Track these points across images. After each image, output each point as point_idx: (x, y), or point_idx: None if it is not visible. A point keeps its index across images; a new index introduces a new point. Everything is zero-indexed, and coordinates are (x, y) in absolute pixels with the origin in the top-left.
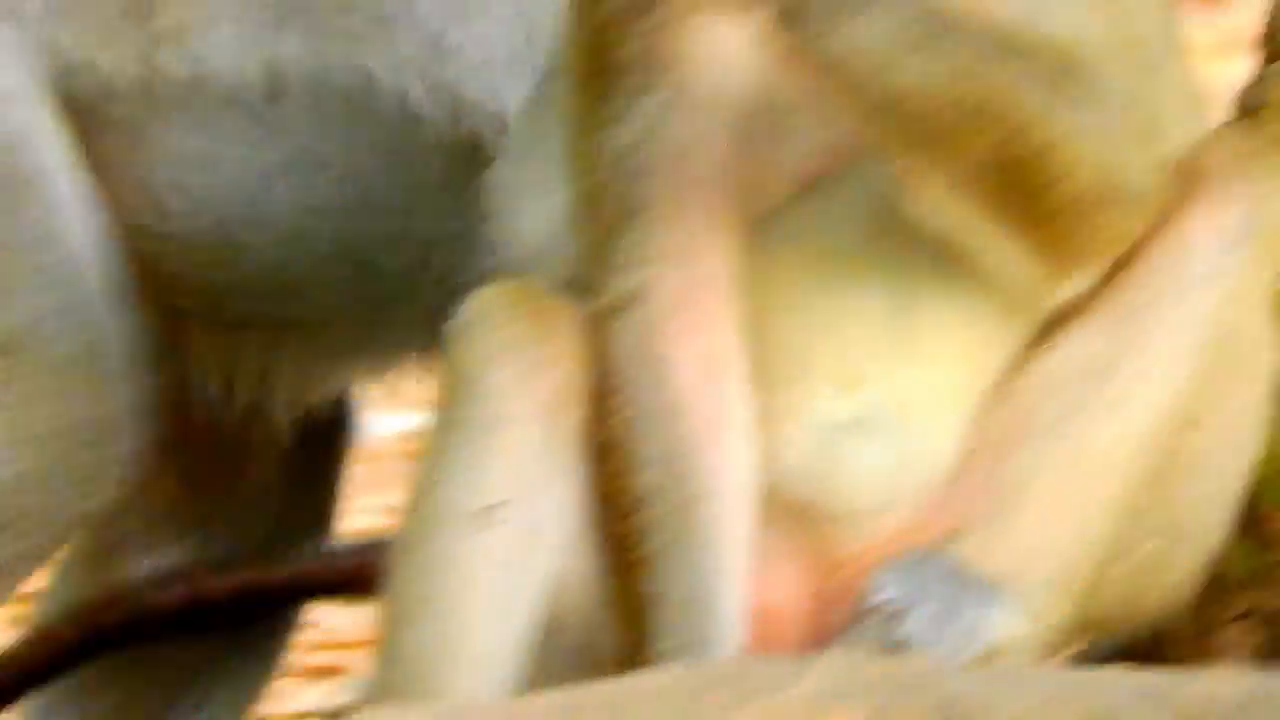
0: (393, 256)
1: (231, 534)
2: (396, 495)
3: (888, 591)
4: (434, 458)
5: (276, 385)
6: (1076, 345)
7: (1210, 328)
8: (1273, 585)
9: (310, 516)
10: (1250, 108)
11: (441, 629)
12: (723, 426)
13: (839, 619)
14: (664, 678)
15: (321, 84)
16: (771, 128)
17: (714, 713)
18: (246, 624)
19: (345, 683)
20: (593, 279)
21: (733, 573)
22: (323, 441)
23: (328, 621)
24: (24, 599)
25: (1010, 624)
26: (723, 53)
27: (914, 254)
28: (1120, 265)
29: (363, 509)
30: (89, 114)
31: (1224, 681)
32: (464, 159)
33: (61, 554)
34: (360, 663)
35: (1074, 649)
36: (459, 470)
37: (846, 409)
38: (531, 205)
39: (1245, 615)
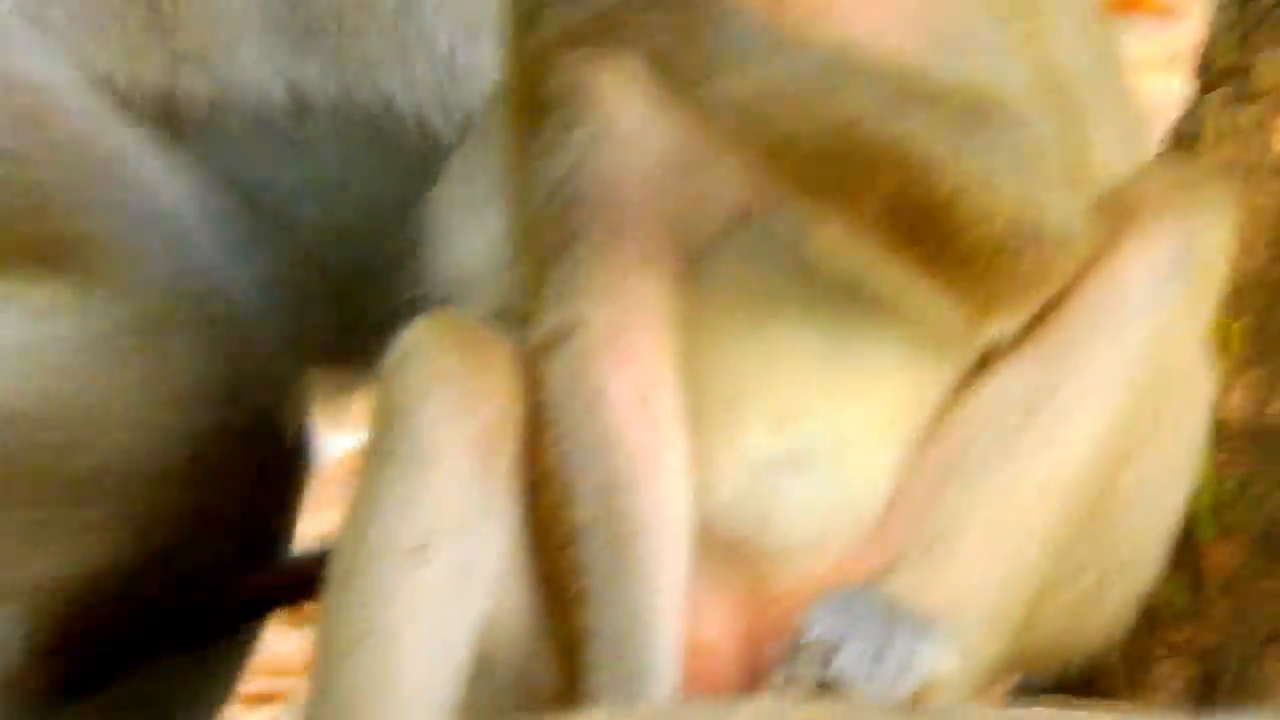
0: (409, 275)
1: (186, 555)
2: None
3: (820, 627)
4: (367, 491)
5: (279, 402)
6: (1009, 381)
7: (1144, 362)
8: (1206, 620)
9: (268, 538)
10: (1184, 139)
11: (374, 664)
12: (657, 461)
13: (772, 654)
14: None
15: (342, 106)
16: (696, 165)
17: None
18: (199, 646)
19: (283, 710)
20: (528, 311)
21: (667, 608)
22: (284, 462)
23: (266, 646)
24: None
25: (942, 660)
26: (638, 93)
27: (847, 291)
28: (1054, 300)
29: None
30: None
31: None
32: None
33: None
34: (299, 689)
35: (1007, 684)
36: (392, 505)
37: (780, 445)
38: (468, 231)
39: (1179, 650)
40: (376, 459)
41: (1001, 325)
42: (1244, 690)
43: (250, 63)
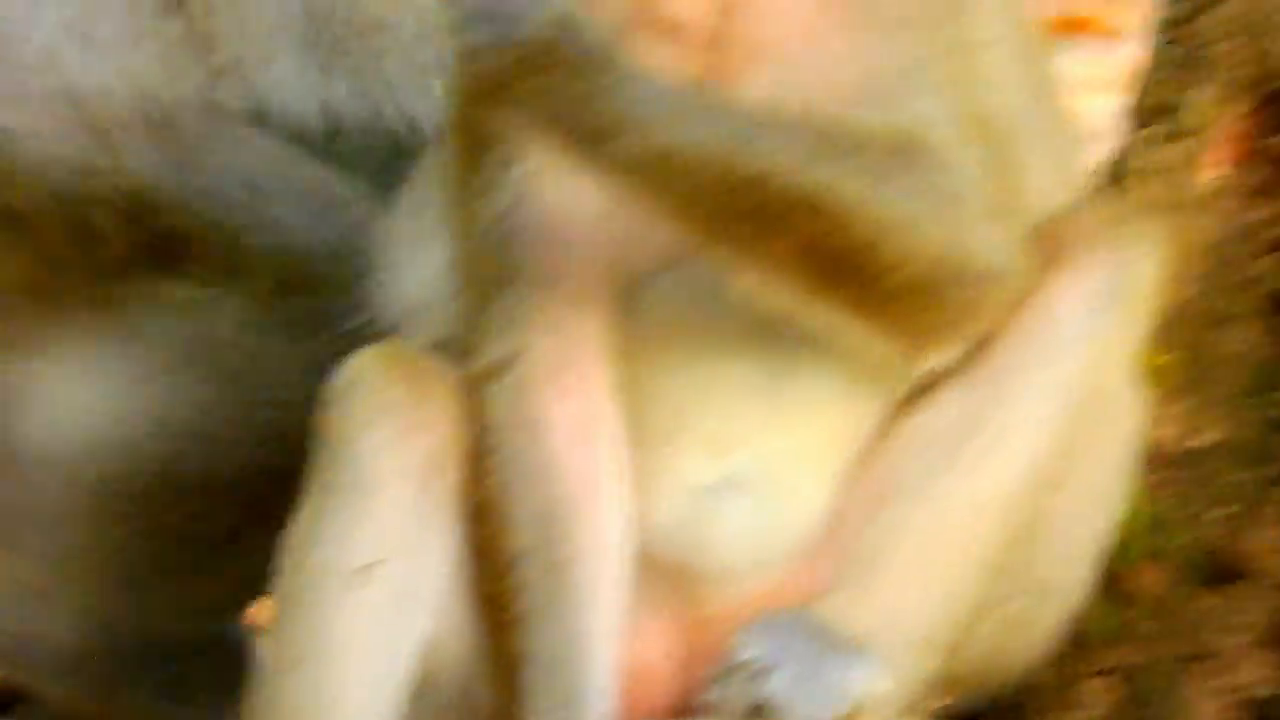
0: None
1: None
2: None
3: (753, 650)
4: (310, 518)
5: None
6: (943, 408)
7: (1075, 391)
8: (1133, 642)
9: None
10: (1118, 175)
11: (317, 685)
12: (596, 489)
13: (707, 677)
14: None
15: (370, 126)
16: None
17: None
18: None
19: None
20: (470, 342)
21: (604, 632)
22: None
23: None
24: None
25: (874, 682)
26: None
27: (783, 322)
28: (989, 329)
29: None
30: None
31: None
32: None
33: None
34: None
35: (938, 706)
36: (335, 530)
37: (717, 472)
38: (415, 263)
39: (1107, 671)
40: (320, 485)
41: (936, 357)
42: (1171, 710)
43: (285, 79)
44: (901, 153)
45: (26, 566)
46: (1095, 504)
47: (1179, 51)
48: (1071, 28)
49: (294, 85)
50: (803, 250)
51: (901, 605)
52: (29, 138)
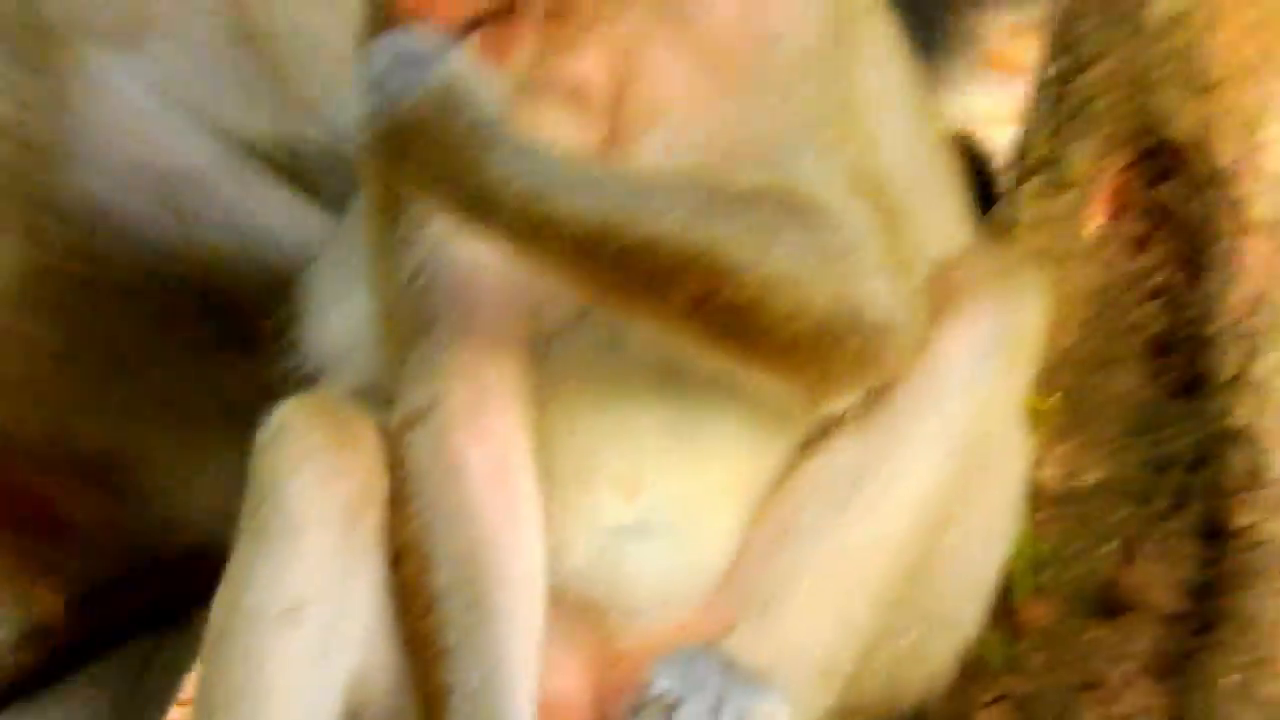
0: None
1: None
2: None
3: (664, 683)
4: (240, 561)
5: None
6: (839, 451)
7: (963, 435)
8: (1025, 671)
9: None
10: (1002, 226)
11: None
12: (513, 530)
13: (620, 709)
14: None
15: None
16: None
17: None
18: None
19: None
20: (391, 389)
21: (522, 665)
22: None
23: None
24: None
25: (776, 713)
26: None
27: (691, 368)
28: (888, 376)
29: None
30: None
31: None
32: None
33: None
34: None
35: None
36: (263, 572)
37: (628, 513)
38: (339, 310)
39: (1000, 699)
40: (249, 529)
41: (837, 402)
42: None
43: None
44: (788, 210)
45: None
46: (985, 541)
47: (1062, 107)
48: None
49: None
50: (694, 307)
51: (802, 639)
52: (117, 210)
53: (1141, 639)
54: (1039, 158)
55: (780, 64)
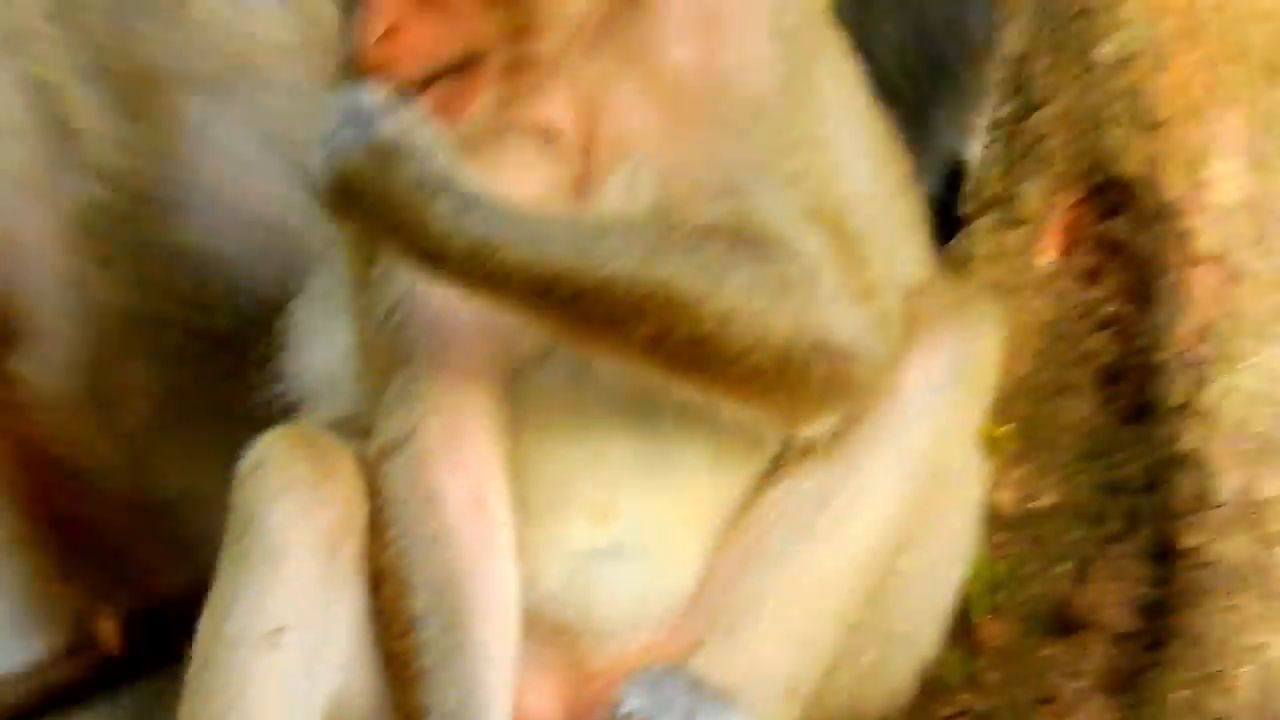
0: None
1: None
2: None
3: (634, 702)
4: (223, 587)
5: None
6: (803, 477)
7: (922, 461)
8: (982, 688)
9: None
10: (958, 260)
11: None
12: (487, 555)
13: None
14: None
15: None
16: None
17: None
18: None
19: None
20: (370, 419)
21: (497, 685)
22: None
23: None
24: None
25: None
26: None
27: (660, 398)
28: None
29: None
30: None
31: None
32: None
33: None
34: None
35: None
36: (246, 597)
37: (600, 538)
38: (321, 342)
39: (958, 715)
40: (232, 557)
41: (811, 428)
42: None
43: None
44: (743, 244)
45: None
46: (943, 563)
47: (1014, 145)
48: None
49: None
50: (653, 343)
51: (767, 659)
52: (221, 259)
53: (1094, 656)
54: (993, 194)
55: (737, 103)
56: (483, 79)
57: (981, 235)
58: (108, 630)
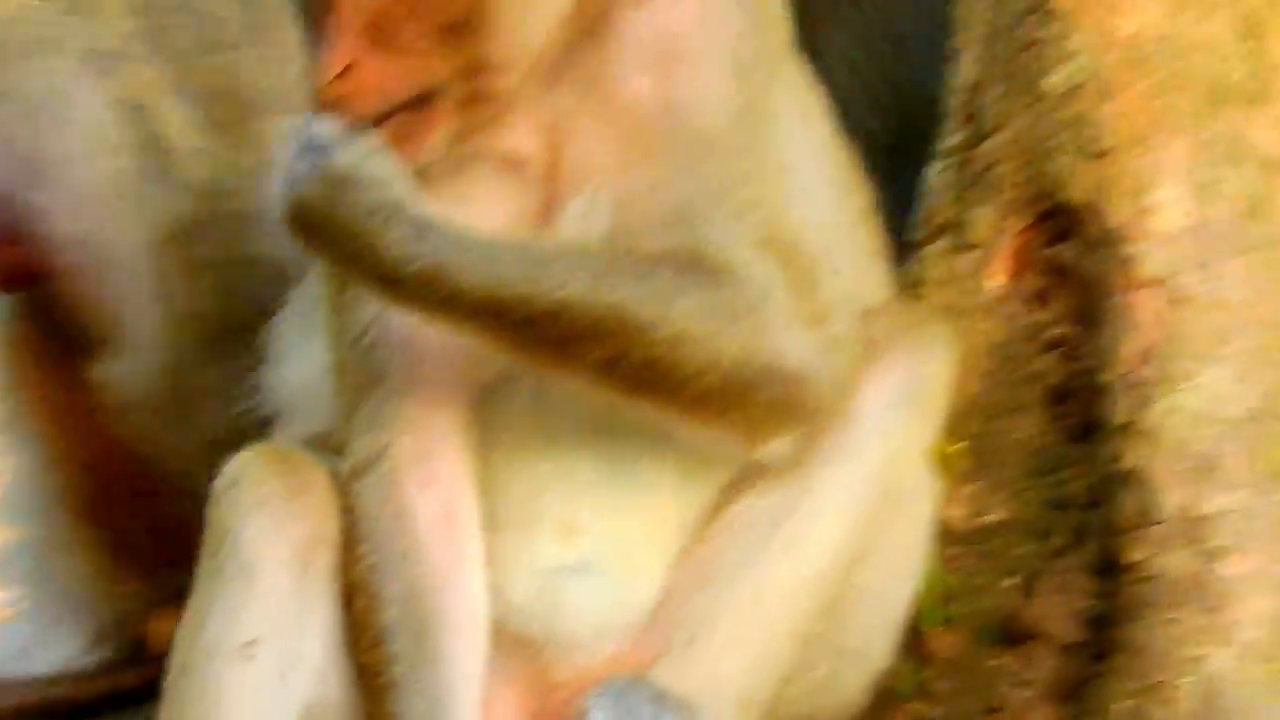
0: None
1: None
2: None
3: (598, 713)
4: (197, 601)
5: None
6: (761, 495)
7: (876, 478)
8: (933, 697)
9: None
10: (912, 284)
11: None
12: (456, 569)
13: None
14: None
15: None
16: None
17: None
18: None
19: None
20: (343, 437)
21: (465, 696)
22: None
23: None
24: None
25: None
26: None
27: (623, 419)
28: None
29: None
30: None
31: None
32: None
33: None
34: None
35: None
36: (221, 611)
37: (567, 554)
38: (298, 359)
39: None
40: (208, 571)
41: (766, 448)
42: None
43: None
44: (695, 271)
45: None
46: (896, 577)
47: (965, 173)
48: None
49: None
50: (606, 366)
51: (725, 670)
52: (300, 270)
53: (1041, 667)
54: (945, 220)
55: (691, 135)
56: (440, 112)
57: (933, 259)
58: (159, 633)
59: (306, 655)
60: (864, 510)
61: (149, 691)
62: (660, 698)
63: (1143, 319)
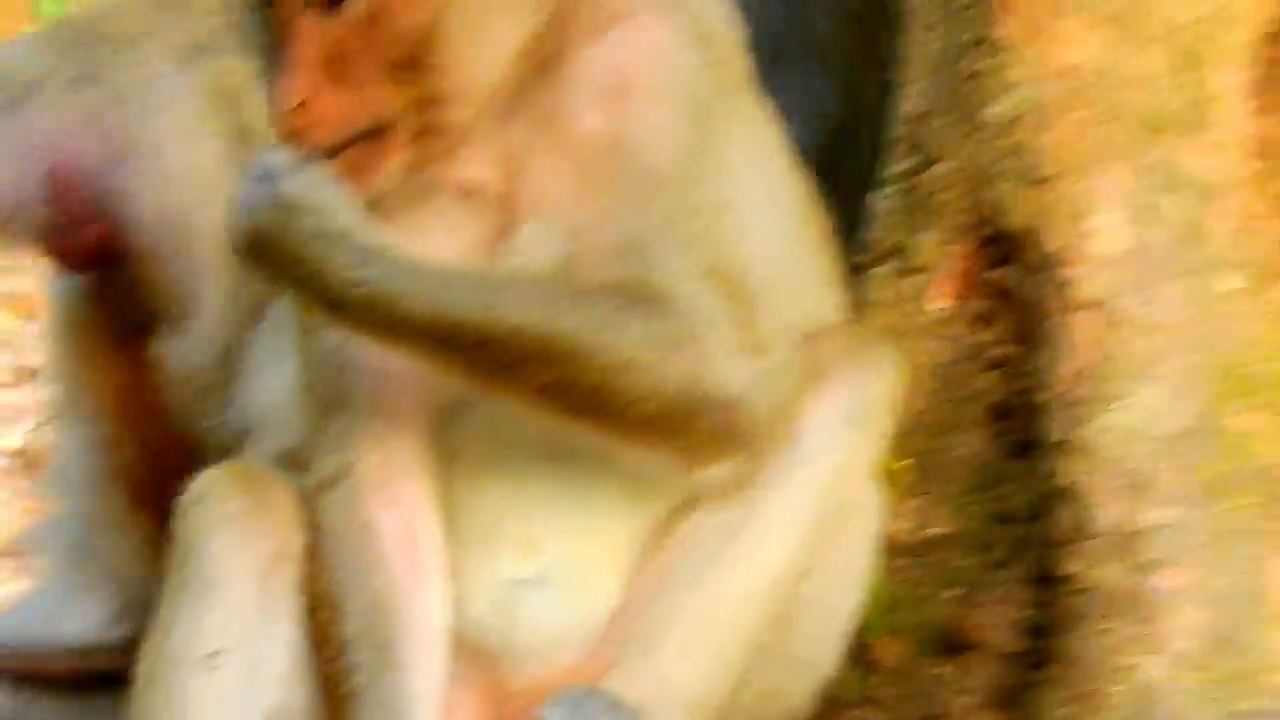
0: None
1: None
2: None
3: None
4: (163, 613)
5: None
6: (712, 511)
7: (823, 494)
8: (877, 705)
9: None
10: (858, 306)
11: None
12: (417, 584)
13: None
14: None
15: None
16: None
17: None
18: None
19: None
20: (308, 455)
21: (424, 706)
22: None
23: None
24: None
25: None
26: None
27: (578, 441)
28: (757, 444)
29: None
30: None
31: None
32: None
33: None
34: None
35: None
36: (185, 622)
37: (526, 569)
38: (269, 377)
39: None
40: (174, 584)
41: (713, 468)
42: None
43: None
44: (637, 301)
45: None
46: (842, 589)
47: (911, 199)
48: None
49: None
50: (549, 390)
51: (677, 679)
52: None
53: (982, 675)
54: (891, 244)
55: (640, 170)
56: (395, 144)
57: (879, 282)
58: None
59: (269, 666)
60: (812, 524)
61: None
62: (614, 706)
63: (1080, 340)
